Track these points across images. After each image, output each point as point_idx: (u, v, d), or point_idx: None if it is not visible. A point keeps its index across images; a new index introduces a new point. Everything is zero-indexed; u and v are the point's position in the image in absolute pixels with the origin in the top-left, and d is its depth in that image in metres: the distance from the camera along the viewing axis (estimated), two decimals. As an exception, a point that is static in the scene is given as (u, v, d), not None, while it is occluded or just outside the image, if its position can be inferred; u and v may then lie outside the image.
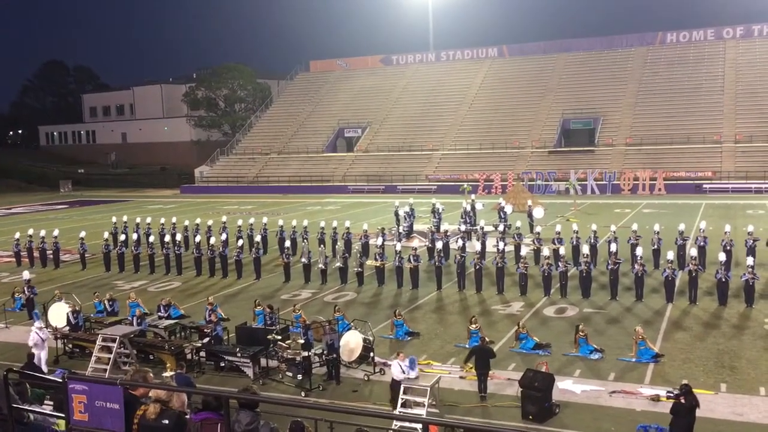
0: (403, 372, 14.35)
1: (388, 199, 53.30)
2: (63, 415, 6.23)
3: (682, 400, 12.11)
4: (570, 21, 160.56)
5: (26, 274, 24.58)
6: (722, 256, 22.73)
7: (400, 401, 14.03)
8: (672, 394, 13.66)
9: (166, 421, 6.18)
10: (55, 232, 33.33)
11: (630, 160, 61.42)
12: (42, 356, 17.28)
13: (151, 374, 7.16)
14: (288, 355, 16.36)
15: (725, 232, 26.72)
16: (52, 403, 8.57)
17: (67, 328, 19.25)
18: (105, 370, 16.43)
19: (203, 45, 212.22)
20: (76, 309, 19.77)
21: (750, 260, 22.37)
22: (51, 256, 32.16)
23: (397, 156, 70.31)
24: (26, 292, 23.29)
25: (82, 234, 32.64)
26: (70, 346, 18.90)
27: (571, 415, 14.04)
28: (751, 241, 26.00)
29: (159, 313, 20.51)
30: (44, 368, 16.51)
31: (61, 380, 6.41)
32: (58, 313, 19.54)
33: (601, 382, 15.63)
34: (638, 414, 13.85)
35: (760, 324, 19.65)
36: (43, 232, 33.71)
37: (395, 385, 14.45)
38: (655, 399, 14.46)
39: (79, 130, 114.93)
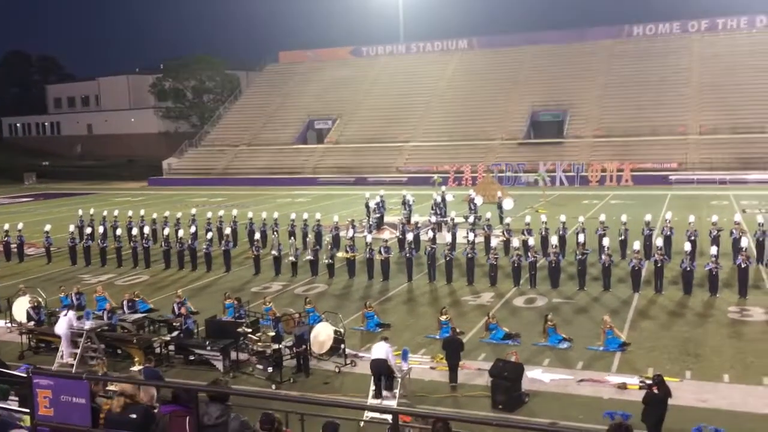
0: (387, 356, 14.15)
1: (358, 191, 53.19)
2: (28, 410, 6.13)
3: (656, 390, 12.26)
4: (538, 14, 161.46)
5: None
6: (687, 246, 23.14)
7: (371, 393, 14.07)
8: (644, 384, 13.87)
9: (134, 415, 6.13)
10: (20, 226, 32.71)
11: (598, 151, 62.12)
12: (65, 351, 16.84)
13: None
14: (258, 348, 16.28)
15: (689, 223, 27.16)
16: (17, 398, 8.43)
17: (32, 323, 18.94)
18: (72, 365, 16.20)
19: (170, 35, 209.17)
20: (38, 304, 19.44)
21: (714, 250, 22.76)
22: (15, 250, 31.55)
23: (367, 148, 70.17)
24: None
25: (47, 227, 32.07)
26: (35, 341, 18.58)
27: (540, 403, 14.20)
28: (715, 232, 26.47)
29: (123, 309, 20.18)
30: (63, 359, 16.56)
31: (25, 375, 6.30)
32: (23, 308, 19.22)
33: (570, 371, 15.82)
34: (605, 402, 14.04)
35: (724, 312, 20.05)
36: (7, 226, 33.09)
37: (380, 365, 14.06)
38: (622, 387, 14.69)
39: (44, 122, 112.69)
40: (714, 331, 18.54)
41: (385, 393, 14.05)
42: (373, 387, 14.18)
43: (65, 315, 17.25)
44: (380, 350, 14.24)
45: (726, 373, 15.49)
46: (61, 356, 16.88)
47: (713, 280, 21.78)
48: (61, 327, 16.88)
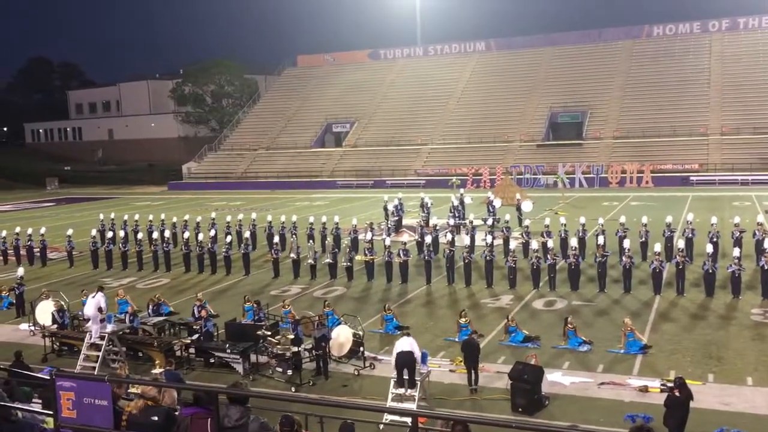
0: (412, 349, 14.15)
1: (377, 194, 53.28)
2: (51, 412, 6.20)
3: (677, 393, 12.14)
4: (556, 15, 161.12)
5: (21, 271, 24.34)
6: (709, 248, 22.89)
7: (390, 395, 14.05)
8: (666, 387, 13.73)
9: (156, 418, 6.19)
10: (42, 230, 33.09)
11: (617, 153, 61.68)
12: (93, 329, 16.99)
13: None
14: (278, 351, 16.35)
15: (712, 224, 26.87)
16: (40, 401, 8.54)
17: (55, 326, 19.17)
18: (94, 367, 16.36)
19: (190, 40, 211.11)
20: (62, 307, 19.65)
21: (736, 251, 22.51)
22: (38, 254, 31.94)
23: (385, 151, 70.27)
24: (16, 289, 23.08)
25: (70, 231, 32.41)
26: (58, 344, 18.80)
27: (560, 406, 14.11)
28: (738, 233, 26.16)
29: (148, 312, 20.40)
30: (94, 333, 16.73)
31: (48, 378, 6.37)
32: (46, 312, 19.45)
33: (590, 374, 15.71)
34: (626, 405, 13.93)
35: (746, 314, 19.81)
36: (30, 230, 33.48)
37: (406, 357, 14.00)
38: (644, 390, 14.56)
39: (65, 127, 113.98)
40: (737, 333, 18.32)
41: (407, 392, 14.00)
42: (392, 385, 14.11)
43: (93, 296, 17.21)
44: (405, 343, 14.22)
45: (749, 376, 15.31)
46: (90, 338, 16.98)
47: (736, 281, 21.54)
48: (89, 308, 16.98)
